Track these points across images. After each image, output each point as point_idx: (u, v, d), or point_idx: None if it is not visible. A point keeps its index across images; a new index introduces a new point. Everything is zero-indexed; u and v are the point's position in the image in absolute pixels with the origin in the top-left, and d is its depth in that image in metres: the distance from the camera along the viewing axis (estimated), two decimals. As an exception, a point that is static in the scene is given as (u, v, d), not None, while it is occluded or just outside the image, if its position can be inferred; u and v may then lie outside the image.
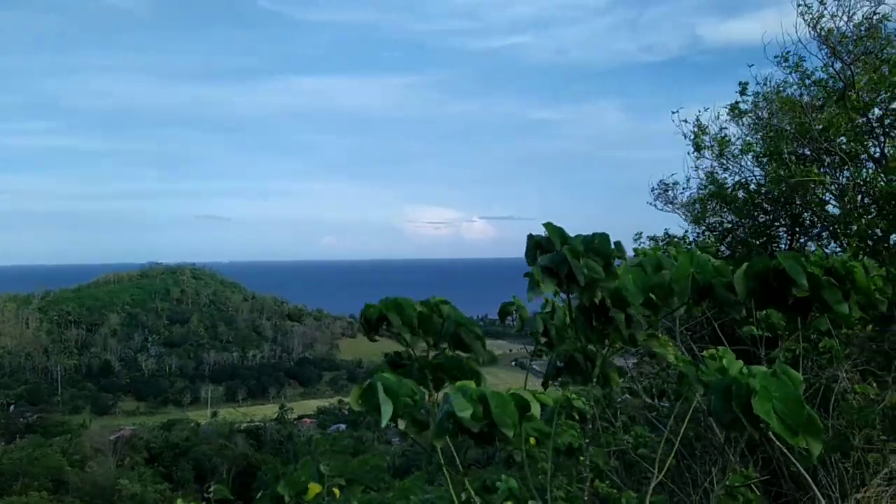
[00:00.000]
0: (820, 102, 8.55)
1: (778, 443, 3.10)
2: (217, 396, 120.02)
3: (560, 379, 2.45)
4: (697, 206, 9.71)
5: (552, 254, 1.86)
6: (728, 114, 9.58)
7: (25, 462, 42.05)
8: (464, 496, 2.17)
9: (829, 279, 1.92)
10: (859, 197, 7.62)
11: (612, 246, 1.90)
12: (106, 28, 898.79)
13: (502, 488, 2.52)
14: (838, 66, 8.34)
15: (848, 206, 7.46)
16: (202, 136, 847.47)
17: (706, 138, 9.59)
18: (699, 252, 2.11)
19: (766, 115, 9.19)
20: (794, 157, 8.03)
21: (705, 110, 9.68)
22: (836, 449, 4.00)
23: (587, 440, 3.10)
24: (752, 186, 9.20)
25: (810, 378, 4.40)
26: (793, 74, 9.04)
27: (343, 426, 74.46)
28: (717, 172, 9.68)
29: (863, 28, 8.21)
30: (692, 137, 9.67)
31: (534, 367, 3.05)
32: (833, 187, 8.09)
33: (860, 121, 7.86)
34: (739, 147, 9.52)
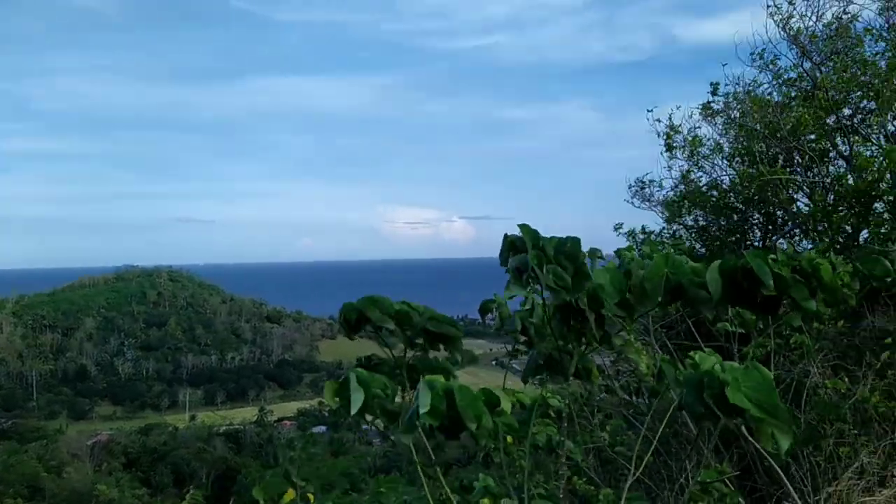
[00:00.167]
0: (790, 101, 8.66)
1: (751, 438, 3.16)
2: (195, 400, 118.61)
3: (538, 377, 2.47)
4: (673, 205, 9.78)
5: (521, 255, 1.88)
6: (700, 114, 9.66)
7: (0, 469, 41.38)
8: (440, 495, 2.18)
9: (796, 276, 1.96)
10: (829, 195, 7.74)
11: (585, 250, 1.91)
12: (74, 28, 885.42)
13: (479, 487, 2.54)
14: (808, 65, 8.49)
15: (818, 204, 7.57)
16: (176, 137, 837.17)
17: (678, 138, 9.62)
18: (672, 251, 2.13)
19: (737, 114, 9.29)
20: (764, 157, 8.13)
21: (678, 108, 9.71)
22: (807, 442, 4.07)
23: (562, 438, 3.13)
24: (725, 186, 9.29)
25: (782, 373, 4.47)
26: (765, 73, 9.16)
27: (324, 428, 74.09)
28: (692, 171, 9.74)
29: (832, 28, 8.35)
30: (664, 138, 9.71)
31: (514, 365, 3.07)
32: (804, 185, 8.21)
33: (829, 119, 7.98)
34: (710, 147, 9.60)
